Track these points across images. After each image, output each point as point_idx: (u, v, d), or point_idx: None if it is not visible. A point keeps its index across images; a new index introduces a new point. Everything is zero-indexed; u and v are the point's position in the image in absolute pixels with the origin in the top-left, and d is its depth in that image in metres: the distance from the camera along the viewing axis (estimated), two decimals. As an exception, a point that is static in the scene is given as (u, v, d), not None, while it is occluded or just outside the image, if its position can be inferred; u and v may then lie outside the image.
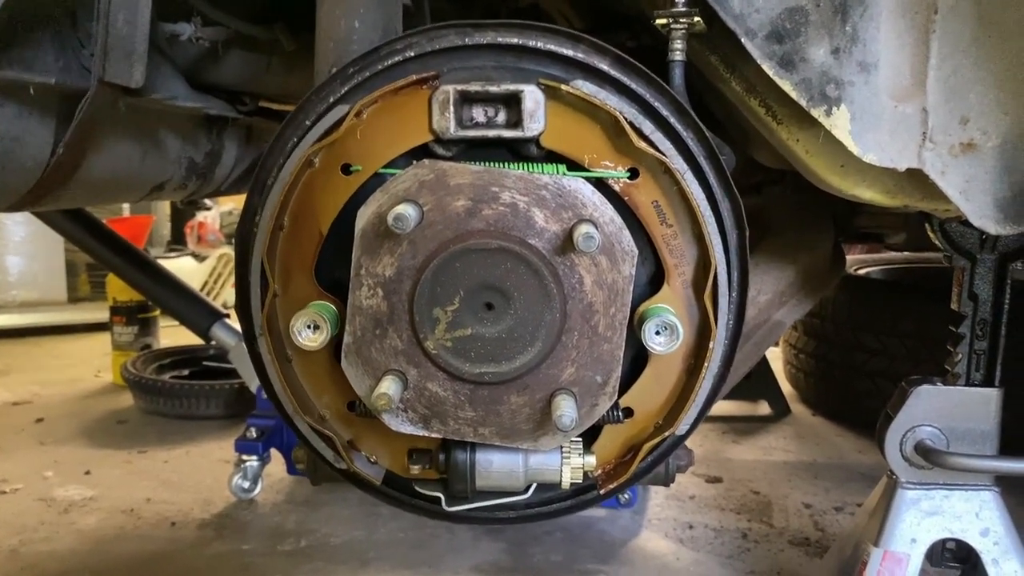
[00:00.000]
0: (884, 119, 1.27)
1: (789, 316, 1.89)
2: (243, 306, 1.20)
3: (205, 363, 3.63)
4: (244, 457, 2.44)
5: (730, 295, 1.17)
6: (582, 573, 2.03)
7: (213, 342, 2.79)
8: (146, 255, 2.94)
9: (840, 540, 1.74)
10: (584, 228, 1.03)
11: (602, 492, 1.26)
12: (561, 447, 1.20)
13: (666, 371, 1.21)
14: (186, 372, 3.58)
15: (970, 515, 1.54)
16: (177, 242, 7.10)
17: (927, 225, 1.54)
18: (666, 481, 1.32)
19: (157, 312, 3.89)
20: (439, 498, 1.26)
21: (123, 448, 2.92)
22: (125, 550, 2.12)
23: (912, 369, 1.99)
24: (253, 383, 2.61)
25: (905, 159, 1.28)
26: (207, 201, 6.59)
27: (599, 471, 1.25)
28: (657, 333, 1.12)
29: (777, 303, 1.86)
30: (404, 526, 2.27)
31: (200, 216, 6.45)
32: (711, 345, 1.16)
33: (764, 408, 3.42)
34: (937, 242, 1.54)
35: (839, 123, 1.27)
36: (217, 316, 2.76)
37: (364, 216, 1.09)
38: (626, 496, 2.33)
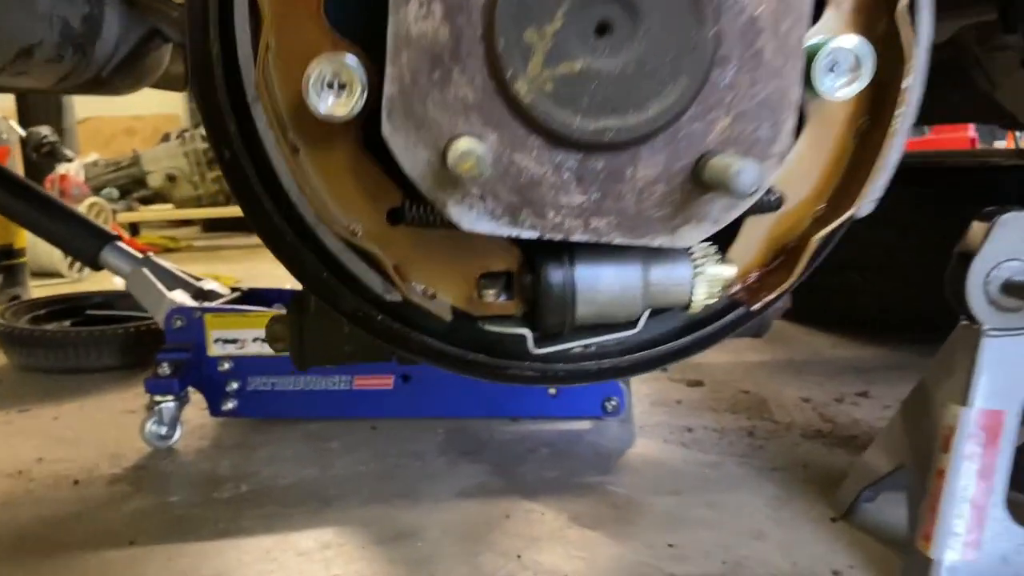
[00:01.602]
0: None
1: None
2: (204, 78, 0.79)
3: (88, 312, 3.14)
4: (157, 398, 2.02)
5: (933, 8, 0.84)
6: (586, 486, 1.74)
7: (104, 269, 2.32)
8: (12, 172, 2.44)
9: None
10: None
11: (754, 309, 0.92)
12: (690, 251, 0.84)
13: (828, 134, 0.87)
14: (67, 323, 3.08)
15: (1064, 361, 1.32)
16: (35, 202, 6.35)
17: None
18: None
19: (25, 259, 3.35)
20: (520, 339, 0.85)
21: (-1, 409, 2.45)
22: (19, 515, 1.70)
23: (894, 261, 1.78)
24: (159, 313, 2.18)
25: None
26: (68, 152, 5.90)
27: (738, 286, 0.92)
28: (831, 70, 0.78)
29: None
30: (363, 458, 1.92)
31: (62, 168, 5.74)
32: (906, 83, 0.80)
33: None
34: None
35: None
36: (107, 239, 2.30)
37: None
38: (613, 402, 2.07)
